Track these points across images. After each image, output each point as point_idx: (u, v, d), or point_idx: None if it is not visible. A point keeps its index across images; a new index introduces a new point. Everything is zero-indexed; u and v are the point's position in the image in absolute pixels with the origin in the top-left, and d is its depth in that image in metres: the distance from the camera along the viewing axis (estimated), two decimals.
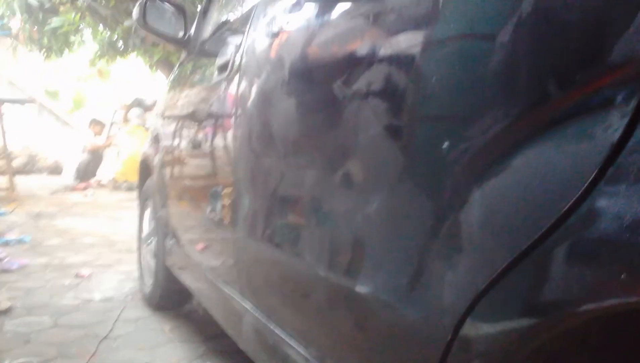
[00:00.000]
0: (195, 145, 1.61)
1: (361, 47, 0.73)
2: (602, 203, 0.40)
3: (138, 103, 7.13)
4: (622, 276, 0.37)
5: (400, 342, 0.65)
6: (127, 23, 5.60)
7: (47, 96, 10.59)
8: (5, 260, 2.83)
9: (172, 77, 2.22)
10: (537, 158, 0.47)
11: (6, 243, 3.28)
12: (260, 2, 1.23)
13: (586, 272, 0.40)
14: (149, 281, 2.33)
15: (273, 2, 1.13)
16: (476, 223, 0.52)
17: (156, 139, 2.18)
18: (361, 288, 0.72)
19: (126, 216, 4.57)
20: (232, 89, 1.22)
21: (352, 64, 0.75)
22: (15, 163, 7.33)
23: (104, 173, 7.25)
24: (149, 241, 2.36)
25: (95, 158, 7.21)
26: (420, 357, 0.61)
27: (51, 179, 7.50)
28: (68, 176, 7.27)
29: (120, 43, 6.39)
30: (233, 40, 1.36)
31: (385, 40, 0.69)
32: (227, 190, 1.27)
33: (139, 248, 2.56)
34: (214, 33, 1.70)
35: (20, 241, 3.37)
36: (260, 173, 1.09)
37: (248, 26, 1.24)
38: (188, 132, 1.72)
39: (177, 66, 2.23)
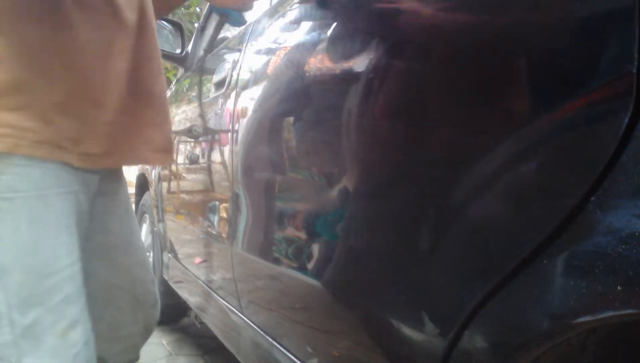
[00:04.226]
0: (193, 160, 1.63)
1: (357, 63, 0.75)
2: (598, 214, 0.40)
3: None
4: (619, 288, 0.37)
5: (398, 355, 0.66)
6: None
7: None
8: None
9: (169, 93, 2.24)
10: (532, 170, 0.47)
11: None
12: (256, 19, 1.26)
13: (583, 284, 0.40)
14: None
15: (269, 20, 1.16)
16: (472, 235, 0.53)
17: None
18: (359, 302, 0.73)
19: None
20: (229, 105, 1.25)
21: (348, 80, 0.76)
22: None
23: None
24: (147, 255, 2.37)
25: None
26: None
27: None
28: None
29: None
30: (230, 57, 1.39)
31: (380, 52, 0.70)
32: (225, 204, 1.29)
33: None
34: (211, 50, 1.72)
35: None
36: (257, 187, 1.10)
37: (245, 43, 1.27)
38: (185, 148, 1.74)
39: (174, 82, 2.25)
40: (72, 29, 0.73)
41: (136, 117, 0.85)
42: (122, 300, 0.98)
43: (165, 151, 0.93)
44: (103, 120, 0.79)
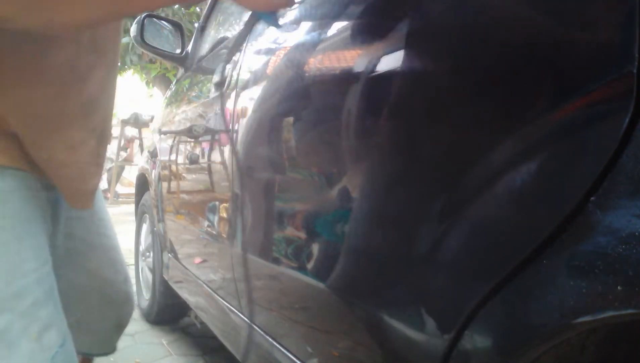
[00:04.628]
0: (193, 160, 1.63)
1: (357, 64, 0.75)
2: (598, 214, 0.40)
3: (135, 119, 7.15)
4: (619, 288, 0.37)
5: (398, 355, 0.66)
6: (124, 40, 5.64)
7: None
8: None
9: (169, 93, 2.24)
10: (532, 170, 0.47)
11: None
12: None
13: (583, 284, 0.40)
14: (146, 295, 2.34)
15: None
16: (472, 235, 0.53)
17: (153, 154, 2.20)
18: (359, 302, 0.73)
19: (124, 230, 4.57)
20: (229, 105, 1.25)
21: (348, 81, 0.76)
22: None
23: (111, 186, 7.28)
24: (147, 255, 2.37)
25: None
26: None
27: None
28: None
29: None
30: (230, 57, 1.39)
31: (381, 53, 0.70)
32: (225, 204, 1.29)
33: (137, 262, 2.57)
34: (211, 50, 1.72)
35: None
36: (257, 187, 1.10)
37: (245, 43, 1.26)
38: (185, 148, 1.74)
39: (174, 82, 2.25)
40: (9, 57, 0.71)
41: (82, 153, 0.83)
42: (91, 298, 1.01)
43: (90, 196, 0.92)
44: (49, 146, 0.77)
